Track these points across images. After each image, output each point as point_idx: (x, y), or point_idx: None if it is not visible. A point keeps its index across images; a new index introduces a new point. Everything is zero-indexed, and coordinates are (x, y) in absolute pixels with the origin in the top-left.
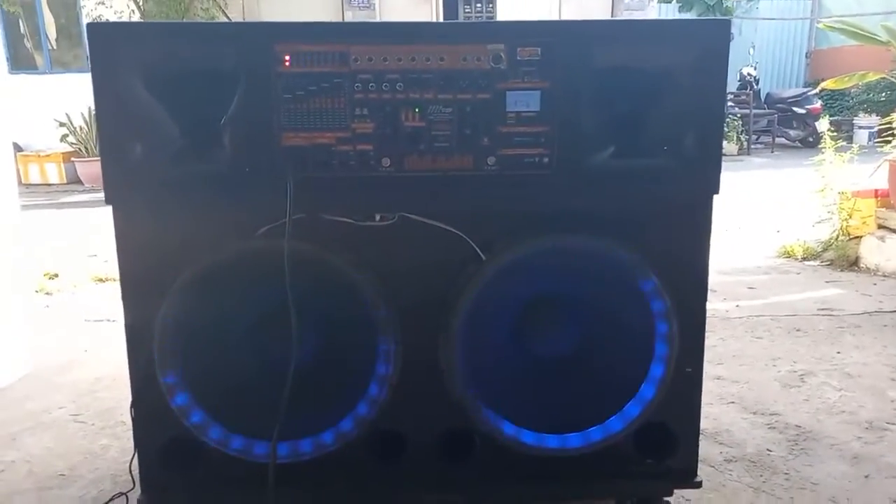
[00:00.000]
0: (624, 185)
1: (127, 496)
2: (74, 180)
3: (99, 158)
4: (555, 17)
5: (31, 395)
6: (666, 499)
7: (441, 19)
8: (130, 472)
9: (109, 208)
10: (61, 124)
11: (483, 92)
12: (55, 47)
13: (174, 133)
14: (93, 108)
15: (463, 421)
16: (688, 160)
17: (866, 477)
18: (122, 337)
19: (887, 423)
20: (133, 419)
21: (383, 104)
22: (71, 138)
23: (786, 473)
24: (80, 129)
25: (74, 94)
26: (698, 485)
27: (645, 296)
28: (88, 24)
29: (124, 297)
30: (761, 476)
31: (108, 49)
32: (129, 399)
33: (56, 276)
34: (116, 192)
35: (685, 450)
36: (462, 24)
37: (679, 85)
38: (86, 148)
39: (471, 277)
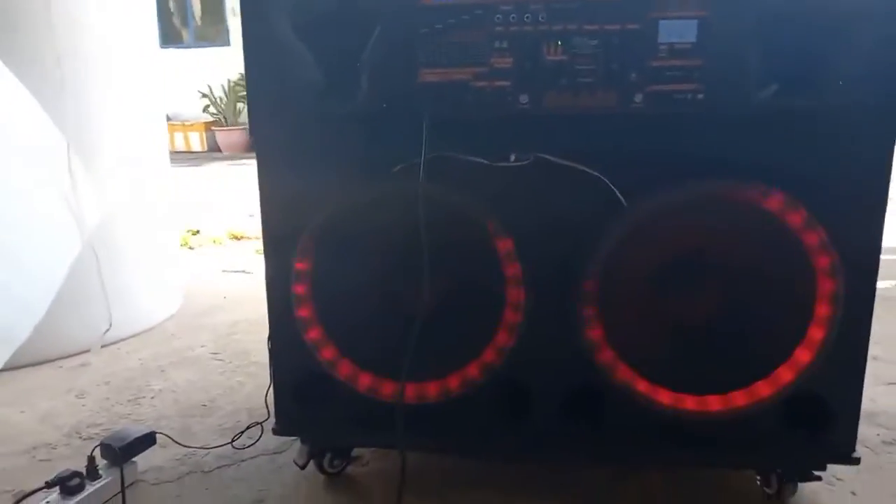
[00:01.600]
0: (790, 127)
1: (262, 425)
2: (214, 148)
3: (236, 128)
4: None
5: (178, 333)
6: (816, 473)
7: None
8: (266, 403)
9: (245, 172)
10: (203, 95)
11: (632, 21)
12: (199, 23)
13: (316, 71)
14: (232, 80)
15: (594, 377)
16: (865, 98)
17: None
18: (258, 286)
19: None
20: (270, 352)
21: (524, 37)
22: (212, 109)
23: None
24: (220, 100)
25: (216, 66)
26: (856, 461)
27: (808, 250)
28: None
29: (264, 231)
30: None
31: None
32: (264, 342)
33: (197, 232)
34: (261, 126)
35: (844, 424)
36: None
37: (858, 8)
38: (225, 118)
39: (611, 224)
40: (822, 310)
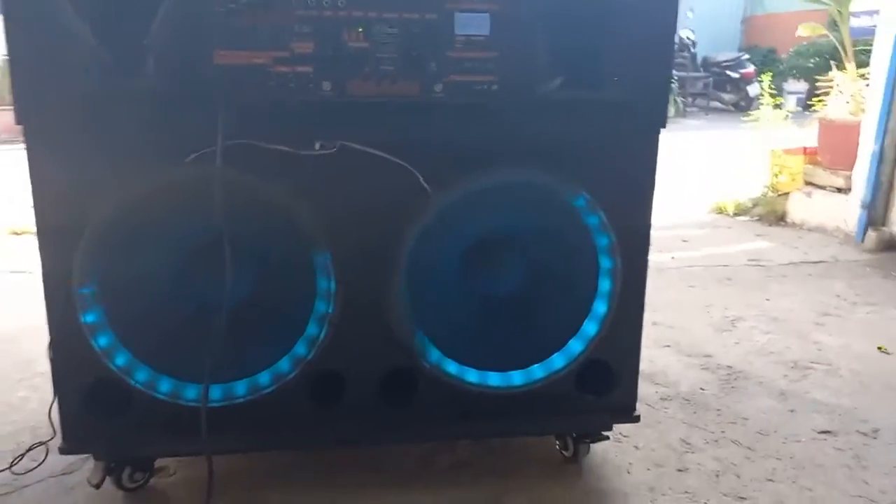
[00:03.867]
0: (573, 115)
1: (47, 445)
2: None
3: (10, 108)
4: None
5: None
6: (605, 433)
7: None
8: (50, 419)
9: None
10: None
11: (430, 12)
12: None
13: (95, 46)
14: (4, 54)
15: (406, 360)
16: (636, 93)
17: (791, 411)
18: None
19: (811, 362)
20: (52, 362)
21: (324, 22)
22: None
23: (717, 409)
24: None
25: None
26: (637, 419)
27: (589, 231)
28: None
29: (39, 231)
30: (695, 412)
31: None
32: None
33: None
34: (28, 111)
35: (625, 386)
36: None
37: (631, 12)
38: (0, 96)
39: (416, 211)
40: (605, 285)
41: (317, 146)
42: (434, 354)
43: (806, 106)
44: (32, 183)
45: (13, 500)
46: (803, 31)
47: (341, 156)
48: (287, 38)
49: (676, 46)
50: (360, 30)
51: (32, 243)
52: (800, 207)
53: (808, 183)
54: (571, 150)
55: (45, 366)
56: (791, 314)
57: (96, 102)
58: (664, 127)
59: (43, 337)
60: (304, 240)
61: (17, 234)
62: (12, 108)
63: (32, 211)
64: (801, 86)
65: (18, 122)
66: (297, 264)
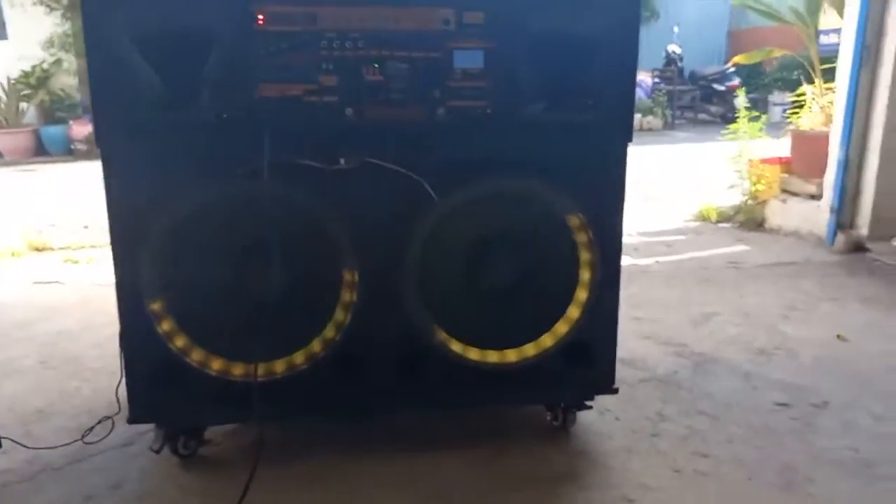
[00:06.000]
0: (554, 133)
1: (113, 420)
2: None
3: (20, 130)
4: None
5: None
6: (588, 403)
7: None
8: (117, 397)
9: (36, 180)
10: None
11: (434, 50)
12: None
13: (160, 85)
14: (12, 77)
15: (417, 343)
16: (606, 113)
17: (754, 388)
18: (75, 296)
19: (775, 348)
20: (121, 345)
21: (346, 60)
22: None
23: (689, 388)
24: None
25: None
26: (615, 391)
27: (571, 229)
28: None
29: (113, 233)
30: (669, 391)
31: (99, 7)
32: (94, 349)
33: None
34: (104, 136)
35: (604, 363)
36: None
37: (599, 47)
38: (6, 119)
39: (424, 215)
40: (585, 275)
41: (341, 162)
42: (441, 336)
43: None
44: (107, 195)
45: (85, 467)
46: (757, 56)
47: (362, 170)
48: (316, 73)
49: (664, 60)
50: (376, 66)
51: (54, 258)
52: (777, 214)
53: (784, 190)
54: (553, 162)
55: (92, 362)
56: (761, 309)
57: (161, 129)
58: (630, 141)
59: (84, 338)
60: (331, 240)
61: (38, 250)
62: (18, 130)
63: (59, 227)
64: (787, 97)
65: (97, 144)
66: (325, 261)
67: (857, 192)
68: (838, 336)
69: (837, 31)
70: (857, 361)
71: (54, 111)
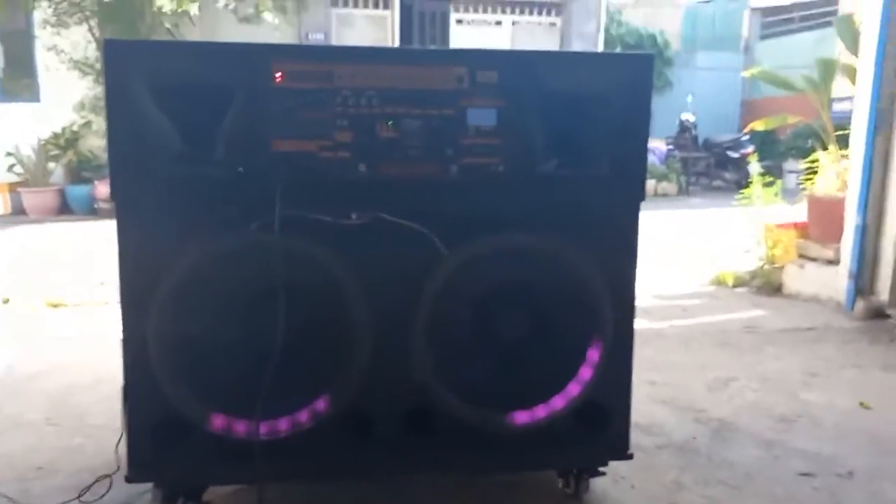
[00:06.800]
0: (567, 190)
1: (111, 479)
2: (19, 211)
3: (46, 189)
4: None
5: (5, 400)
6: (602, 470)
7: None
8: (116, 453)
9: (57, 237)
10: (8, 154)
11: (448, 108)
12: (2, 76)
13: (177, 138)
14: (42, 138)
15: (425, 401)
16: (618, 171)
17: (776, 457)
18: (87, 351)
19: (797, 416)
20: (124, 403)
21: (361, 117)
22: (18, 168)
23: (707, 456)
24: (28, 158)
25: (23, 124)
26: (630, 456)
27: (583, 287)
28: (105, 40)
29: (122, 281)
30: (687, 458)
31: (120, 61)
32: (100, 405)
33: (7, 300)
34: (121, 188)
35: (618, 426)
36: (430, 51)
37: (612, 107)
38: (33, 178)
39: (435, 270)
40: (598, 335)
41: (353, 217)
42: (449, 396)
43: None
44: (119, 245)
45: None
46: (773, 122)
47: (373, 225)
48: (331, 129)
49: (678, 128)
50: (390, 123)
51: (69, 314)
52: (794, 279)
53: (802, 255)
54: (566, 219)
55: (96, 419)
56: (781, 375)
57: (177, 182)
58: (643, 199)
59: (92, 394)
60: (341, 295)
61: (54, 306)
62: (44, 189)
63: (118, 269)
64: (802, 165)
65: (112, 195)
66: (335, 316)
67: (875, 258)
68: (861, 403)
69: (850, 98)
70: (882, 430)
71: (81, 171)
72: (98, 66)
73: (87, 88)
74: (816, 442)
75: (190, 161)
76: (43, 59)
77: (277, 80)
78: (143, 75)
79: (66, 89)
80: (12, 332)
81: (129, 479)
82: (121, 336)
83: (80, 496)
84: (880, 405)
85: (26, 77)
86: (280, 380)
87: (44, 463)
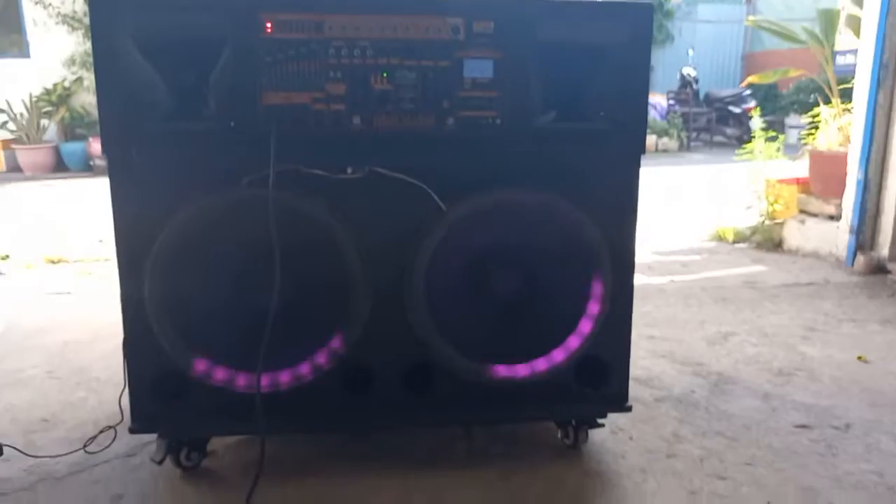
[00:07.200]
0: (565, 144)
1: (115, 430)
2: (14, 168)
3: (41, 146)
4: None
5: (4, 356)
6: (601, 421)
7: None
8: (119, 405)
9: (54, 194)
10: (0, 111)
11: (443, 59)
12: None
13: (167, 93)
14: (34, 94)
15: (424, 355)
16: (618, 123)
17: (773, 409)
18: (84, 307)
19: (795, 369)
20: (125, 353)
21: (354, 69)
22: (11, 125)
23: (706, 408)
24: (21, 115)
25: (14, 80)
26: (629, 409)
27: (583, 242)
28: None
29: (117, 240)
30: (685, 410)
31: (106, 15)
32: (101, 360)
33: (7, 256)
34: (112, 144)
35: (617, 379)
36: (425, 0)
37: (611, 58)
38: (27, 135)
39: (432, 226)
40: (597, 288)
41: (348, 171)
42: (449, 350)
43: None
44: (113, 203)
45: (85, 477)
46: (773, 76)
47: (369, 179)
48: (323, 81)
49: (679, 83)
50: (385, 74)
51: (68, 269)
52: (795, 234)
53: (802, 211)
54: (564, 173)
55: (98, 373)
56: (780, 329)
57: (168, 138)
58: (643, 153)
59: (91, 349)
60: (338, 250)
61: (53, 262)
62: (38, 146)
63: (113, 226)
64: (804, 119)
65: (103, 152)
66: (332, 271)
67: (877, 212)
68: (859, 357)
69: (854, 51)
70: (879, 383)
71: (74, 128)
72: (87, 20)
73: (77, 44)
74: (814, 395)
75: (180, 116)
76: (31, 13)
77: (267, 30)
78: (129, 28)
79: (55, 44)
80: (12, 287)
81: (132, 431)
82: (119, 291)
83: (85, 446)
84: (878, 359)
85: (14, 32)
86: (279, 333)
87: (47, 416)
